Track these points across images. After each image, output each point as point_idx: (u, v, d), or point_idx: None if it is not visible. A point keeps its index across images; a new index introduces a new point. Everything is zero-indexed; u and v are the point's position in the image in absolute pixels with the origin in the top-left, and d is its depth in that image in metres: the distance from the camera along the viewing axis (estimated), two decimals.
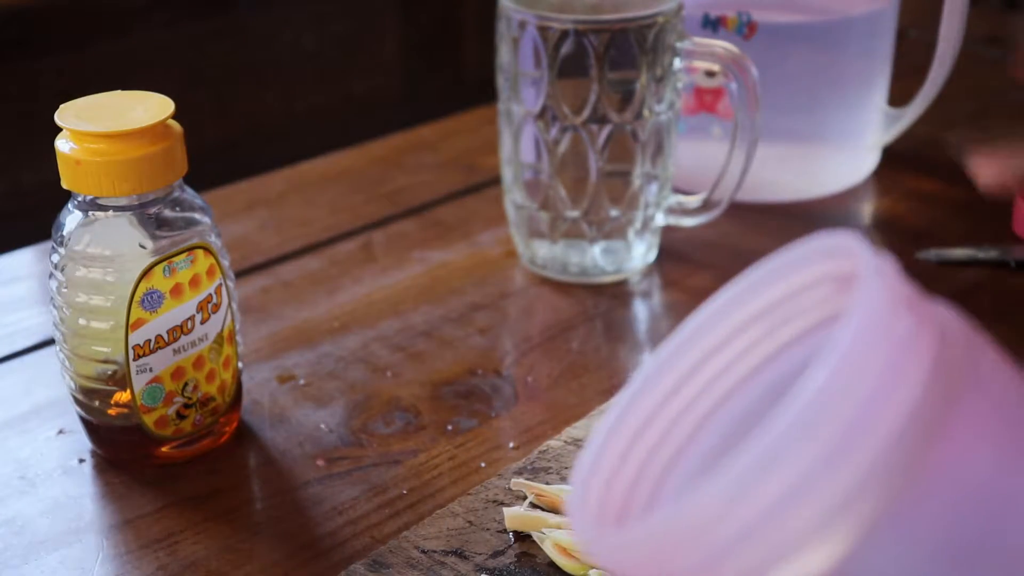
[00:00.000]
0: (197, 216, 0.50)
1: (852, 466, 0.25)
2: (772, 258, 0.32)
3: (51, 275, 0.50)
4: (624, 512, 0.32)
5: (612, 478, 0.33)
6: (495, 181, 0.76)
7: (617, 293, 0.65)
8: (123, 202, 0.48)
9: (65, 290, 0.49)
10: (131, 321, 0.48)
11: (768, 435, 0.25)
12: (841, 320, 0.27)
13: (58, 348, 0.51)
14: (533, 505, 0.47)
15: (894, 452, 0.25)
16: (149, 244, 0.48)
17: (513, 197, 0.66)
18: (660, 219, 0.66)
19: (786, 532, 0.25)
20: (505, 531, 0.46)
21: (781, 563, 0.25)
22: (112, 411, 0.51)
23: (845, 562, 0.25)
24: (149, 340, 0.49)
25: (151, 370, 0.49)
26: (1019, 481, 0.27)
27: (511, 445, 0.53)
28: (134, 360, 0.49)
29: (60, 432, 0.54)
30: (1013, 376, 0.29)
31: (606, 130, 0.62)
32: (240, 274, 0.67)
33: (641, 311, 0.64)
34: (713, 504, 0.25)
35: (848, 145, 0.75)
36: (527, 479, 0.48)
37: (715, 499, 0.25)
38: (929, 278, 0.65)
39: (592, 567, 0.43)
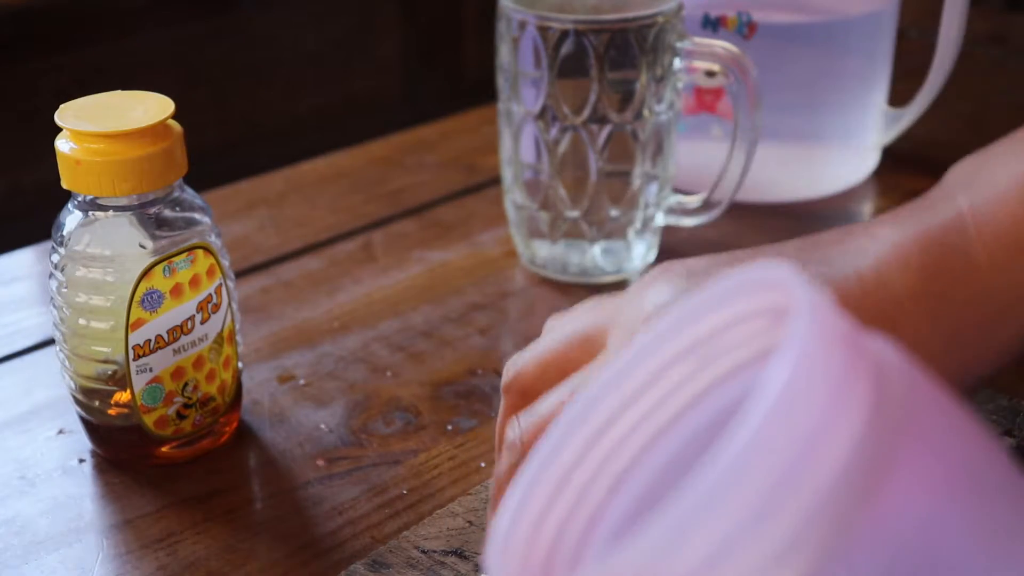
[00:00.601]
0: (197, 216, 0.50)
1: (781, 525, 0.24)
2: (701, 290, 0.30)
3: (51, 275, 0.50)
4: (547, 567, 0.31)
5: (531, 541, 0.31)
6: (495, 181, 0.76)
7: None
8: (123, 202, 0.48)
9: (65, 290, 0.49)
10: (131, 321, 0.48)
11: (692, 493, 0.24)
12: (770, 363, 0.25)
13: (58, 348, 0.51)
14: None
15: (827, 507, 0.24)
16: (149, 244, 0.48)
17: (513, 197, 0.66)
18: (660, 219, 0.66)
19: None
20: None
21: None
22: (112, 411, 0.51)
23: None
24: (149, 340, 0.49)
25: (151, 370, 0.49)
26: (955, 542, 0.26)
27: None
28: (134, 360, 0.49)
29: (60, 432, 0.54)
30: (956, 416, 0.28)
31: (606, 130, 0.62)
32: (240, 274, 0.67)
33: None
34: (638, 563, 0.24)
35: (848, 145, 0.75)
36: None
37: (641, 558, 0.24)
38: None
39: None
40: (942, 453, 0.27)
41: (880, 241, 0.40)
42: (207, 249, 0.50)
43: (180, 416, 0.51)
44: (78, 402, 0.51)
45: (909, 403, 0.27)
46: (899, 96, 0.76)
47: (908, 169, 0.78)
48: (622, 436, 0.33)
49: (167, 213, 0.49)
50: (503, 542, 0.30)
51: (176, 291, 0.49)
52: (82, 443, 0.53)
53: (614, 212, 0.64)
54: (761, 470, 0.24)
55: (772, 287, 0.29)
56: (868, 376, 0.26)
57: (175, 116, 0.49)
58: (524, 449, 0.40)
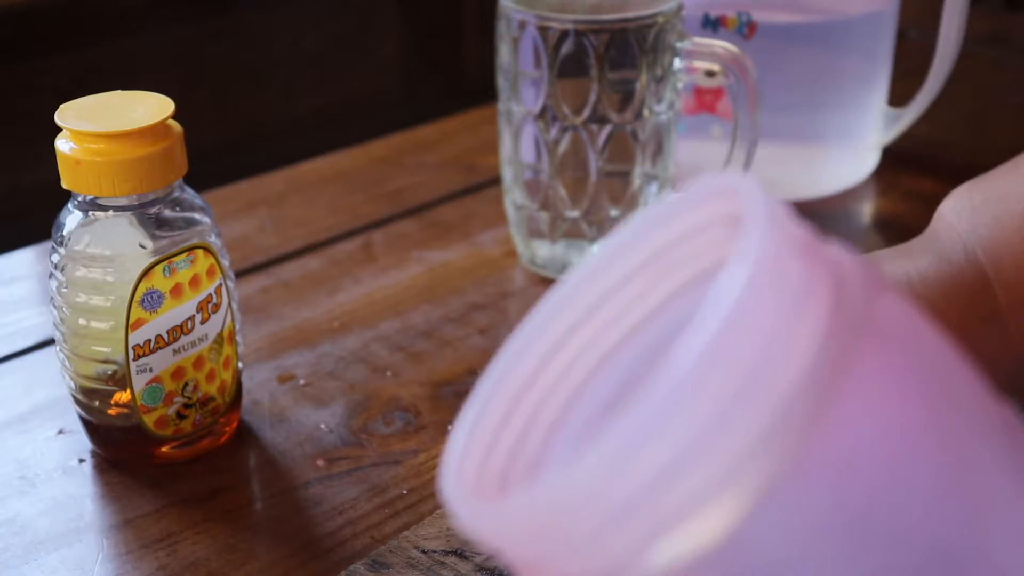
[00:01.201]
0: (197, 216, 0.50)
1: (741, 432, 0.24)
2: (657, 203, 0.30)
3: (51, 275, 0.50)
4: (503, 484, 0.31)
5: (490, 447, 0.31)
6: (495, 181, 0.76)
7: None
8: (123, 202, 0.48)
9: (65, 290, 0.49)
10: (131, 321, 0.48)
11: (649, 400, 0.23)
12: (726, 270, 0.25)
13: (58, 348, 0.51)
14: None
15: (786, 416, 0.24)
16: (149, 244, 0.48)
17: (513, 197, 0.66)
18: None
19: (671, 503, 0.24)
20: None
21: (665, 536, 0.24)
22: (112, 411, 0.51)
23: (733, 534, 0.24)
24: (149, 340, 0.49)
25: (151, 370, 0.49)
26: (921, 441, 0.26)
27: None
28: (134, 360, 0.49)
29: (60, 432, 0.54)
30: (917, 321, 0.27)
31: (606, 130, 0.62)
32: (240, 274, 0.67)
33: None
34: (593, 475, 0.24)
35: (848, 145, 0.75)
36: None
37: (596, 469, 0.24)
38: None
39: None
40: (902, 361, 0.26)
41: (896, 273, 0.38)
42: (207, 249, 0.50)
43: (180, 416, 0.51)
44: (78, 402, 0.51)
45: (867, 310, 0.26)
46: (899, 96, 0.76)
47: (908, 169, 0.78)
48: (577, 353, 0.32)
49: (167, 213, 0.49)
50: (457, 462, 0.29)
51: (176, 291, 0.49)
52: (82, 443, 0.53)
53: (614, 212, 0.64)
54: (719, 378, 0.24)
55: (728, 195, 0.28)
56: (826, 282, 0.25)
57: (175, 116, 0.49)
58: None
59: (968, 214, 0.40)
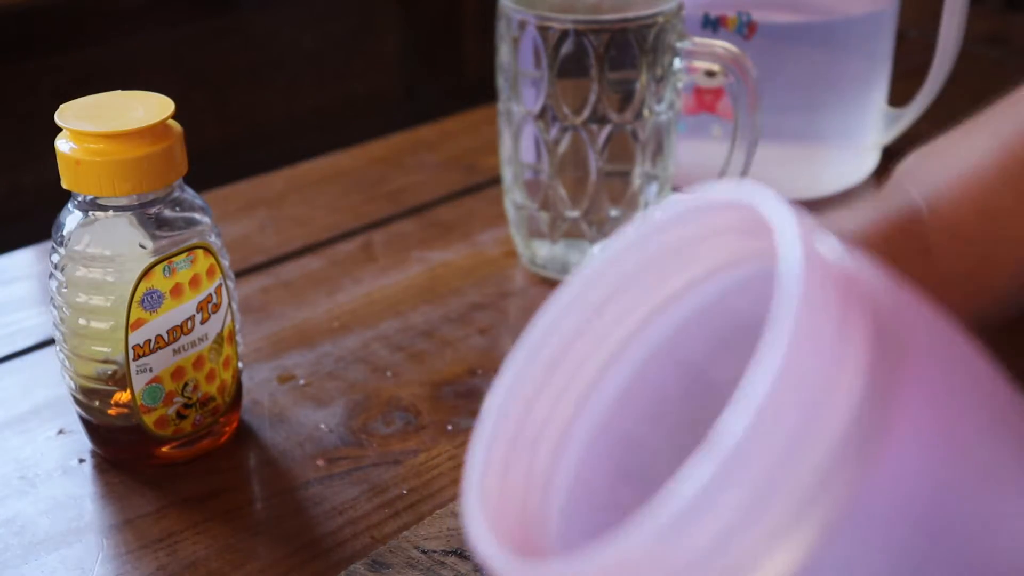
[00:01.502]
0: (197, 216, 0.50)
1: (797, 482, 0.24)
2: (665, 206, 0.30)
3: (51, 275, 0.50)
4: (524, 504, 0.30)
5: (506, 465, 0.31)
6: (495, 181, 0.76)
7: None
8: (123, 202, 0.48)
9: (65, 290, 0.49)
10: (131, 321, 0.48)
11: (698, 475, 0.24)
12: (767, 326, 0.25)
13: (58, 348, 0.51)
14: None
15: (839, 459, 0.24)
16: (149, 244, 0.48)
17: (513, 197, 0.66)
18: None
19: (734, 558, 0.24)
20: None
21: None
22: (112, 411, 0.51)
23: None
24: (149, 340, 0.49)
25: (151, 370, 0.49)
26: (964, 483, 0.26)
27: None
28: (134, 360, 0.49)
29: (60, 432, 0.54)
30: (952, 332, 0.28)
31: (606, 130, 0.62)
32: (240, 274, 0.67)
33: None
34: (650, 542, 0.24)
35: (848, 145, 0.75)
36: None
37: (653, 536, 0.24)
38: None
39: None
40: (945, 371, 0.26)
41: (840, 227, 0.40)
42: (207, 249, 0.50)
43: (180, 416, 0.51)
44: (78, 402, 0.51)
45: (907, 333, 0.26)
46: (899, 96, 0.76)
47: None
48: (582, 357, 0.32)
49: (167, 213, 0.49)
50: (478, 491, 0.29)
51: (176, 291, 0.49)
52: (82, 443, 0.53)
53: (614, 212, 0.64)
54: (764, 446, 0.24)
55: (740, 206, 0.28)
56: (863, 319, 0.25)
57: (175, 116, 0.49)
58: None
59: (915, 170, 0.44)
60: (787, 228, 0.25)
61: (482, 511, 0.29)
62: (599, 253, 0.31)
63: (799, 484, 0.24)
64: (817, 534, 0.24)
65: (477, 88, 0.92)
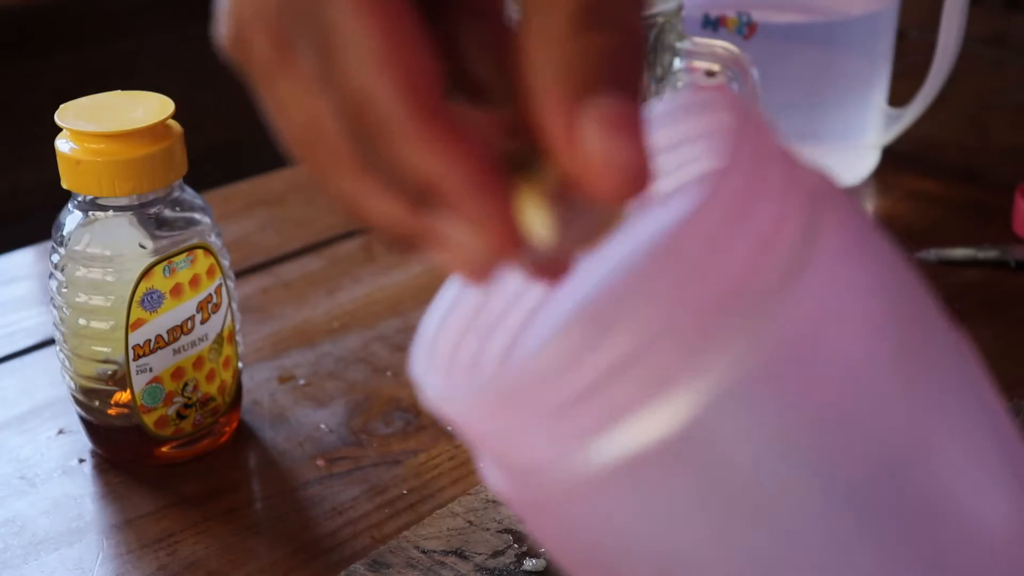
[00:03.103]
0: (197, 216, 0.50)
1: (699, 324, 0.24)
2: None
3: (51, 275, 0.50)
4: (472, 369, 0.31)
5: (462, 333, 0.31)
6: None
7: None
8: (123, 202, 0.48)
9: (65, 290, 0.49)
10: (131, 321, 0.48)
11: (614, 288, 0.24)
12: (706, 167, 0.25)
13: (58, 348, 0.51)
14: None
15: (745, 309, 0.24)
16: (149, 244, 0.48)
17: None
18: None
19: (630, 388, 0.24)
20: (505, 531, 0.46)
21: (624, 420, 0.24)
22: (112, 411, 0.51)
23: (689, 426, 0.24)
24: (149, 340, 0.49)
25: (151, 370, 0.49)
26: (878, 342, 0.26)
27: None
28: (134, 360, 0.49)
29: (60, 432, 0.54)
30: (875, 232, 0.28)
31: None
32: (240, 274, 0.67)
33: None
34: (562, 354, 0.24)
35: (848, 145, 0.75)
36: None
37: (564, 349, 0.24)
38: (929, 278, 0.65)
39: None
40: (859, 260, 0.27)
41: None
42: (207, 249, 0.50)
43: (180, 416, 0.51)
44: (78, 402, 0.51)
45: (832, 203, 0.26)
46: (899, 96, 0.76)
47: (908, 169, 0.78)
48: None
49: (167, 213, 0.49)
50: (430, 342, 0.30)
51: (176, 291, 0.49)
52: (82, 443, 0.53)
53: None
54: (678, 267, 0.24)
55: (710, 109, 0.29)
56: (802, 179, 0.26)
57: (175, 116, 0.49)
58: None
59: None
60: (739, 115, 0.26)
61: (430, 352, 0.29)
62: None
63: (702, 322, 0.24)
64: (715, 382, 0.24)
65: None
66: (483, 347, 0.31)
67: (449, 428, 0.54)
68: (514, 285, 0.32)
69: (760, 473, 0.25)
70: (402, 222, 0.26)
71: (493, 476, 0.29)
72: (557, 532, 0.28)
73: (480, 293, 0.31)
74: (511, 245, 0.24)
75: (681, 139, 0.30)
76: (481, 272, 0.26)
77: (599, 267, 0.32)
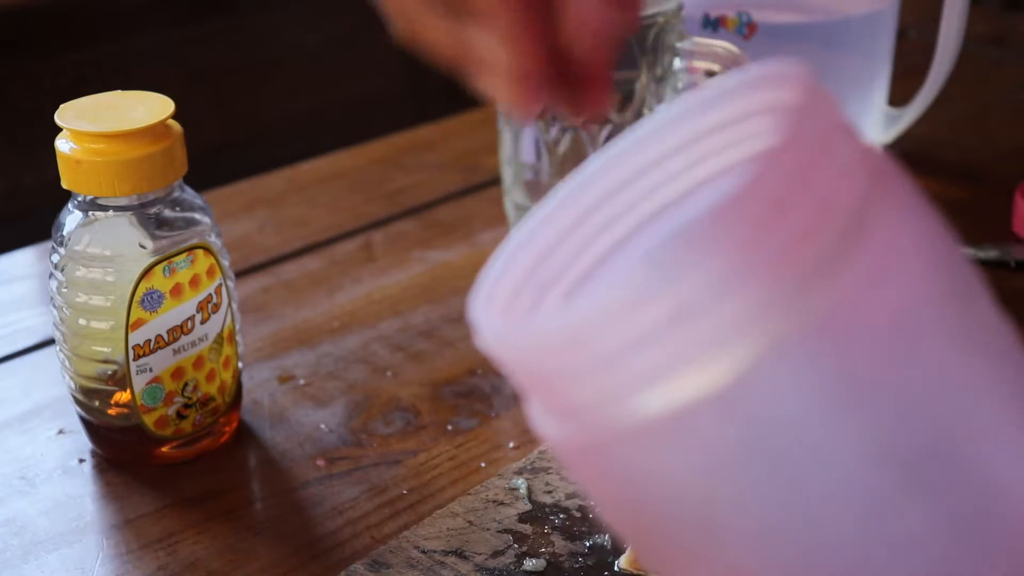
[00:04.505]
0: (197, 216, 0.50)
1: (760, 282, 0.24)
2: (707, 86, 0.30)
3: (51, 275, 0.50)
4: (529, 315, 0.31)
5: (521, 287, 0.31)
6: (495, 181, 0.76)
7: None
8: (123, 202, 0.48)
9: (65, 290, 0.49)
10: (131, 321, 0.48)
11: (678, 240, 0.24)
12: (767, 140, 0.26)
13: (58, 348, 0.51)
14: None
15: (804, 274, 0.25)
16: (149, 244, 0.48)
17: (513, 197, 0.66)
18: None
19: (686, 339, 0.25)
20: (505, 531, 0.46)
21: (677, 370, 0.25)
22: (112, 411, 0.51)
23: (739, 380, 0.25)
24: (149, 340, 0.49)
25: (151, 370, 0.49)
26: (929, 321, 0.26)
27: (511, 445, 0.53)
28: (134, 360, 0.49)
29: (60, 432, 0.54)
30: (933, 215, 0.28)
31: (606, 130, 0.62)
32: (240, 274, 0.67)
33: None
34: (622, 299, 0.25)
35: None
36: (527, 479, 0.48)
37: (625, 295, 0.25)
38: None
39: None
40: (918, 240, 0.27)
41: None
42: (207, 249, 0.50)
43: (180, 416, 0.51)
44: (78, 402, 0.51)
45: (891, 184, 0.27)
46: (899, 96, 0.76)
47: (908, 169, 0.78)
48: (614, 215, 0.33)
49: (167, 213, 0.49)
50: (491, 286, 0.30)
51: (176, 291, 0.49)
52: (82, 443, 0.53)
53: None
54: (743, 229, 0.24)
55: (779, 84, 0.29)
56: (865, 154, 0.26)
57: (175, 116, 0.49)
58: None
59: None
60: (808, 89, 0.26)
61: (490, 295, 0.30)
62: (644, 124, 0.32)
63: (761, 282, 0.24)
64: (768, 339, 0.24)
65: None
66: (543, 297, 0.32)
67: (450, 428, 0.54)
68: (576, 240, 0.32)
69: (811, 431, 0.25)
70: (452, 42, 0.31)
71: (541, 421, 0.29)
72: (602, 479, 0.28)
73: (542, 243, 0.32)
74: (536, 59, 0.27)
75: (748, 112, 0.30)
76: (517, 93, 0.28)
77: (663, 227, 0.32)
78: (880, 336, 0.26)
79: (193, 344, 0.50)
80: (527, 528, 0.46)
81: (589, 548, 0.45)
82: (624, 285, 0.25)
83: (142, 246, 0.48)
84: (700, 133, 0.32)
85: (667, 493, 0.27)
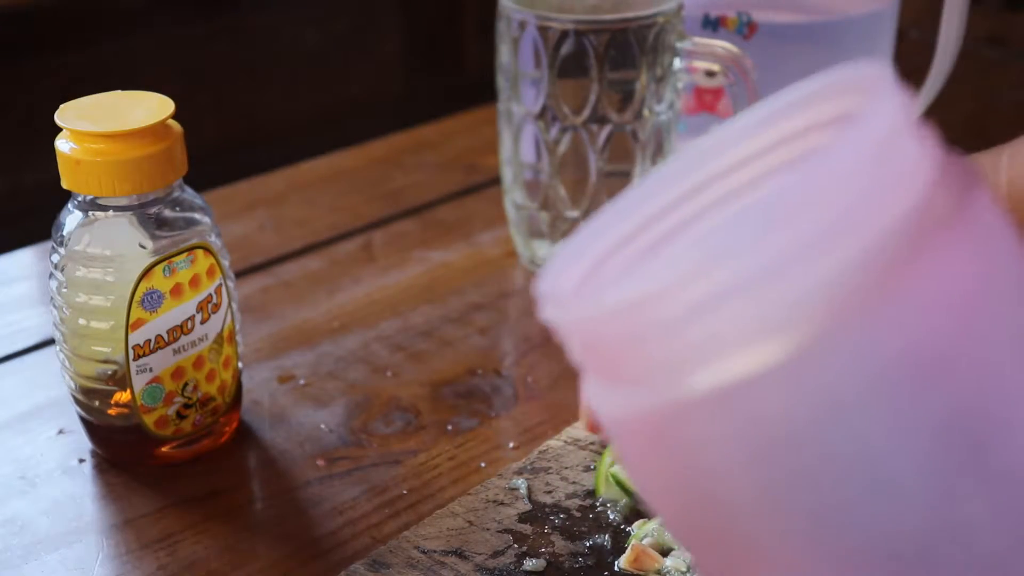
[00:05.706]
0: (197, 216, 0.50)
1: (826, 261, 0.24)
2: (786, 92, 0.30)
3: (51, 275, 0.50)
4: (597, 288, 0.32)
5: (592, 270, 0.32)
6: (495, 181, 0.76)
7: None
8: (123, 202, 0.48)
9: (65, 290, 0.49)
10: (131, 321, 0.48)
11: (747, 216, 0.24)
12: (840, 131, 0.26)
13: (58, 348, 0.51)
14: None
15: (872, 255, 0.25)
16: (149, 244, 0.48)
17: (513, 197, 0.66)
18: None
19: (751, 312, 0.25)
20: (505, 531, 0.46)
21: (741, 343, 0.25)
22: (112, 411, 0.51)
23: (801, 357, 0.24)
24: (149, 340, 0.49)
25: (151, 370, 0.49)
26: (990, 318, 0.26)
27: (511, 445, 0.53)
28: (134, 360, 0.49)
29: (60, 432, 0.54)
30: (1006, 226, 0.28)
31: (606, 130, 0.62)
32: (240, 274, 0.67)
33: None
34: (690, 268, 0.25)
35: None
36: (527, 479, 0.48)
37: (694, 264, 0.25)
38: None
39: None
40: (988, 258, 0.27)
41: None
42: (207, 249, 0.50)
43: (180, 416, 0.51)
44: (78, 402, 0.51)
45: (967, 191, 0.27)
46: None
47: None
48: (682, 220, 0.33)
49: (167, 213, 0.49)
50: (562, 267, 0.30)
51: (176, 291, 0.49)
52: (82, 443, 0.53)
53: None
54: (815, 209, 0.24)
55: (857, 91, 0.29)
56: (930, 159, 0.26)
57: (175, 116, 0.49)
58: None
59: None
60: (886, 91, 0.27)
61: (558, 274, 0.30)
62: (723, 129, 0.32)
63: (830, 261, 0.24)
64: (831, 319, 0.24)
65: (477, 88, 0.92)
66: (611, 279, 0.32)
67: (450, 428, 0.54)
68: (652, 233, 0.33)
69: (871, 415, 0.25)
70: None
71: (595, 394, 0.29)
72: (657, 456, 0.28)
73: (617, 233, 0.32)
74: None
75: (827, 119, 0.31)
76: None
77: (728, 210, 0.32)
78: (951, 315, 0.25)
79: (193, 344, 0.50)
80: (527, 528, 0.46)
81: (589, 548, 0.45)
82: (685, 256, 0.25)
83: (142, 246, 0.48)
84: (780, 139, 0.32)
85: (717, 470, 0.26)
